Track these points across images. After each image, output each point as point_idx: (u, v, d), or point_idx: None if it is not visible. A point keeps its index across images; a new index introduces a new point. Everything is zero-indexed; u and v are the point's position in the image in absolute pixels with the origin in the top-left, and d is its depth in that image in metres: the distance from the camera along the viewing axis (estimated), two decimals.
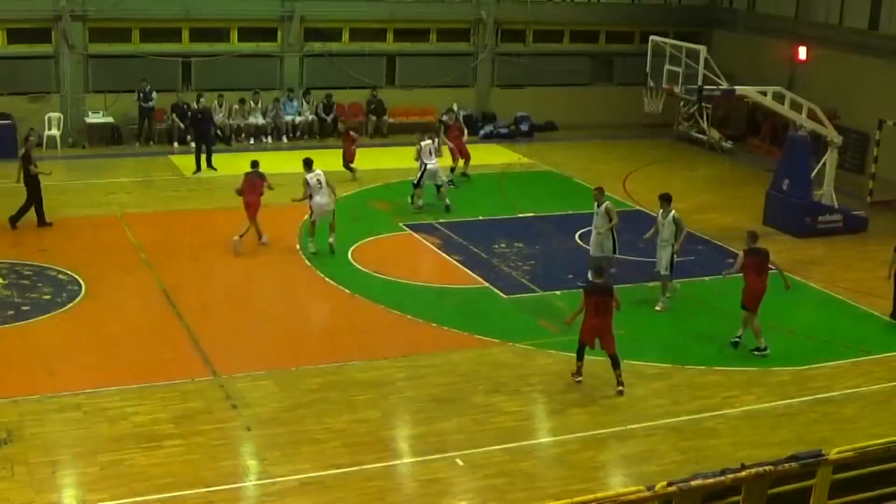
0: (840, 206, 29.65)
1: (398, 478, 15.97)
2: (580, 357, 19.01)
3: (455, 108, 35.91)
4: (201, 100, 33.43)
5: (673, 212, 22.73)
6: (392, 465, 16.21)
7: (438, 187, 28.89)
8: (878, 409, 18.83)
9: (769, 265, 20.89)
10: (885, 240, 28.07)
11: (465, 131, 33.51)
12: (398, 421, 17.86)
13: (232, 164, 33.20)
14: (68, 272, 23.33)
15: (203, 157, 32.44)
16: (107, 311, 21.64)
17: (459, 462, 16.25)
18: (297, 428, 17.02)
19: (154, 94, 35.02)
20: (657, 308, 22.88)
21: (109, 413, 17.14)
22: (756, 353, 20.63)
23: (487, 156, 34.55)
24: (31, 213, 26.47)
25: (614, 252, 23.74)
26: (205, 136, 32.69)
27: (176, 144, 35.44)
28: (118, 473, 15.36)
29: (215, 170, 32.46)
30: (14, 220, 26.35)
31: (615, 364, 18.76)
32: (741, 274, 20.84)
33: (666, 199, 22.92)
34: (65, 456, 15.94)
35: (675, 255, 22.81)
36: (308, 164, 25.83)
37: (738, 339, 20.93)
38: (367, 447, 16.51)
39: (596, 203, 23.71)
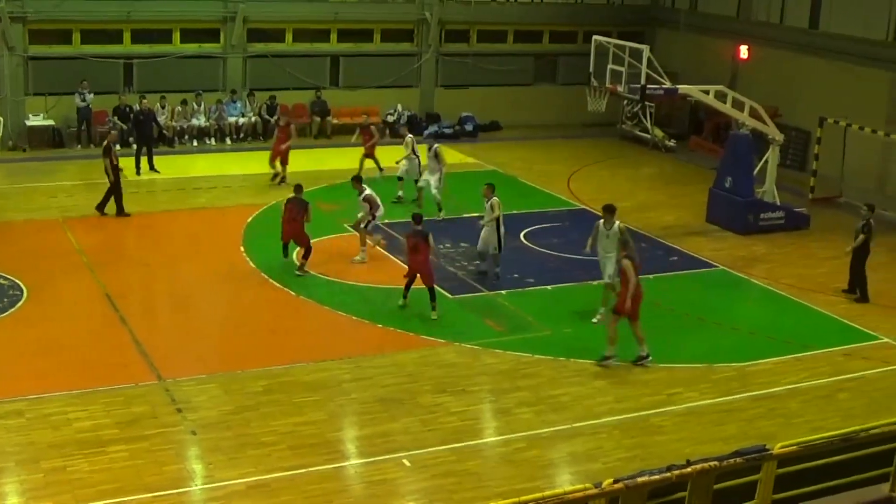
0: (782, 203, 29.90)
1: (345, 479, 15.92)
2: (407, 288, 22.35)
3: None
4: (144, 101, 33.12)
5: (617, 223, 22.08)
6: (339, 467, 16.16)
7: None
8: (821, 403, 19.03)
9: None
10: (827, 236, 28.52)
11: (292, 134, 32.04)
12: (344, 422, 17.81)
13: (174, 166, 33.09)
14: (9, 277, 23.04)
15: (144, 158, 32.17)
16: (49, 315, 21.38)
17: (406, 463, 16.23)
18: (242, 431, 16.93)
19: (90, 95, 34.66)
20: (594, 321, 22.20)
21: (52, 419, 16.95)
22: (603, 362, 20.16)
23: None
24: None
25: (499, 248, 24.21)
26: (147, 137, 32.44)
27: (118, 147, 35.06)
28: (61, 480, 15.20)
29: (158, 172, 32.22)
30: (120, 211, 27.95)
31: (431, 297, 21.97)
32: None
33: (610, 211, 22.23)
34: (7, 463, 15.71)
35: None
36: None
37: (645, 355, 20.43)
38: (313, 449, 16.45)
39: (485, 199, 24.20)
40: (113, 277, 23.48)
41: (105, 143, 28.34)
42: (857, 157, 32.52)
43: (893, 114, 32.70)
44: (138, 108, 33.16)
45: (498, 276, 24.42)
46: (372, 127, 32.54)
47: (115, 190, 27.90)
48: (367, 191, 25.13)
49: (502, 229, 24.12)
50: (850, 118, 32.09)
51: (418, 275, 22.07)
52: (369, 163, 31.64)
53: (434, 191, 28.70)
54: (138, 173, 31.84)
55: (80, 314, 21.62)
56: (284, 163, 31.44)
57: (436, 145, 29.30)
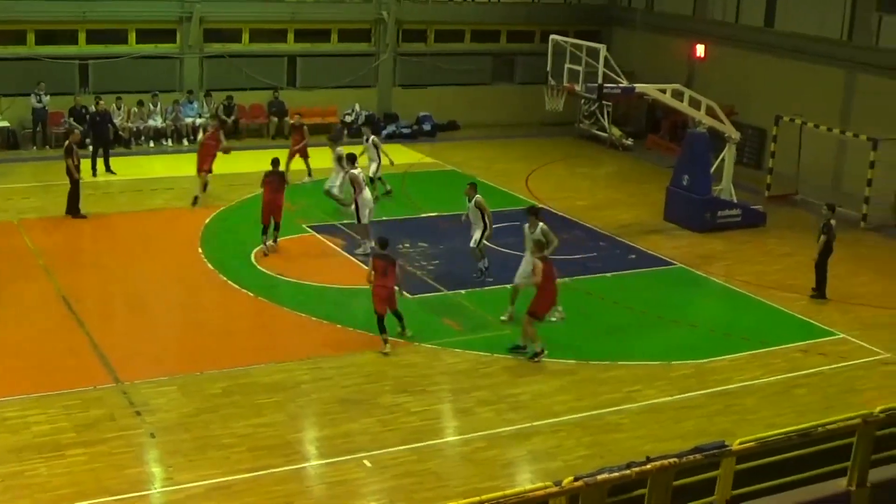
0: (739, 200, 30.08)
1: (306, 480, 15.88)
2: (383, 330, 20.19)
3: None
4: (100, 102, 32.90)
5: (541, 225, 21.87)
6: (299, 469, 16.11)
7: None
8: (778, 399, 19.16)
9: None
10: (783, 233, 28.75)
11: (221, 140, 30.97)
12: (304, 423, 17.76)
13: (131, 168, 32.87)
14: None
15: (101, 160, 31.96)
16: (5, 319, 21.17)
17: (367, 463, 16.21)
18: (202, 433, 16.85)
19: (46, 97, 34.36)
20: (503, 318, 22.09)
21: (10, 423, 16.79)
22: (535, 358, 20.25)
23: (390, 156, 34.41)
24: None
25: (476, 244, 24.14)
26: (103, 139, 32.23)
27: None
28: (20, 485, 15.07)
29: (114, 173, 32.01)
30: (75, 212, 27.71)
31: (399, 318, 20.64)
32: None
33: (534, 213, 22.19)
34: None
35: None
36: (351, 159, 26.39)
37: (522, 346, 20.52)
38: (273, 451, 16.39)
39: (468, 198, 24.19)
40: (70, 280, 23.31)
41: (67, 143, 28.20)
42: (813, 155, 32.76)
43: (848, 112, 33.02)
44: (94, 109, 32.93)
45: (480, 274, 24.42)
46: (305, 128, 32.45)
47: (74, 190, 27.72)
48: (354, 170, 25.39)
49: (485, 224, 24.06)
50: (805, 116, 32.34)
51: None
52: (297, 164, 31.59)
53: (374, 176, 29.62)
54: (94, 175, 31.59)
55: (36, 317, 21.42)
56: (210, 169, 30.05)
57: (373, 136, 30.24)
